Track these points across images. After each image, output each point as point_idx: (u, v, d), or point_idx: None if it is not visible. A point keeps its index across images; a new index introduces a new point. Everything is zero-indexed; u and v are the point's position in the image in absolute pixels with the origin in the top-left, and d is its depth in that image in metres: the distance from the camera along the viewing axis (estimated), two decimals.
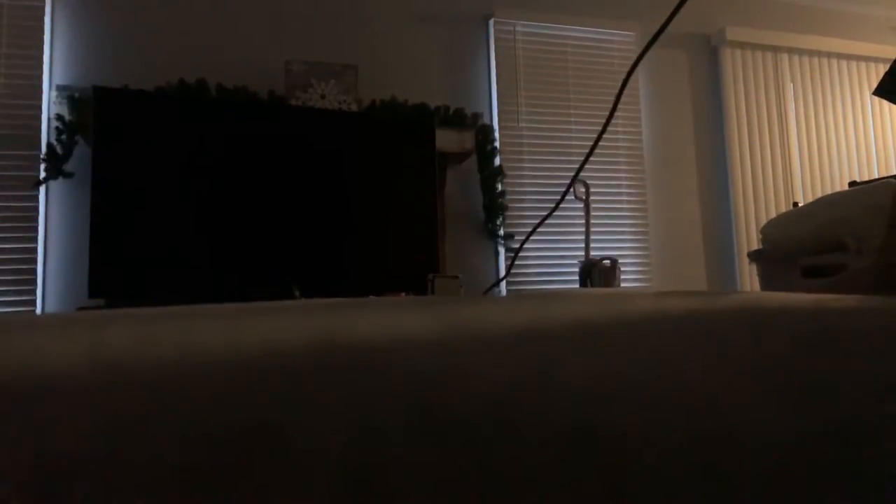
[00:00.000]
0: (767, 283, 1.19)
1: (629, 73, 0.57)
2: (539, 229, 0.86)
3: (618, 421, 0.15)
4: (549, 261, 2.48)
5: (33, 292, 1.90)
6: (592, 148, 0.62)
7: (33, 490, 0.11)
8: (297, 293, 1.57)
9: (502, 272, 2.42)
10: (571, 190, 1.77)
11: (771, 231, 1.16)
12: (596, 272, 1.44)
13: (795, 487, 0.16)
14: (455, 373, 0.14)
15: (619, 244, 2.59)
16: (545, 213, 0.90)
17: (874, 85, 2.20)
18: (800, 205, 1.31)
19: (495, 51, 2.49)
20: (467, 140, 2.21)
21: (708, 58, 2.85)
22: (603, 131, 0.61)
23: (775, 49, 2.89)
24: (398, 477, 0.12)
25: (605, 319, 0.18)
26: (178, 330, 0.14)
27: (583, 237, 1.73)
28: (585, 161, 0.66)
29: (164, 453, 0.11)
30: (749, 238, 2.74)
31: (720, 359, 0.17)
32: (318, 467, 0.12)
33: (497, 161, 2.36)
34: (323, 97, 2.05)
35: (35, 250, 1.91)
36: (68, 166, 1.89)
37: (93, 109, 1.64)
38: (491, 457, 0.13)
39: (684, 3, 0.48)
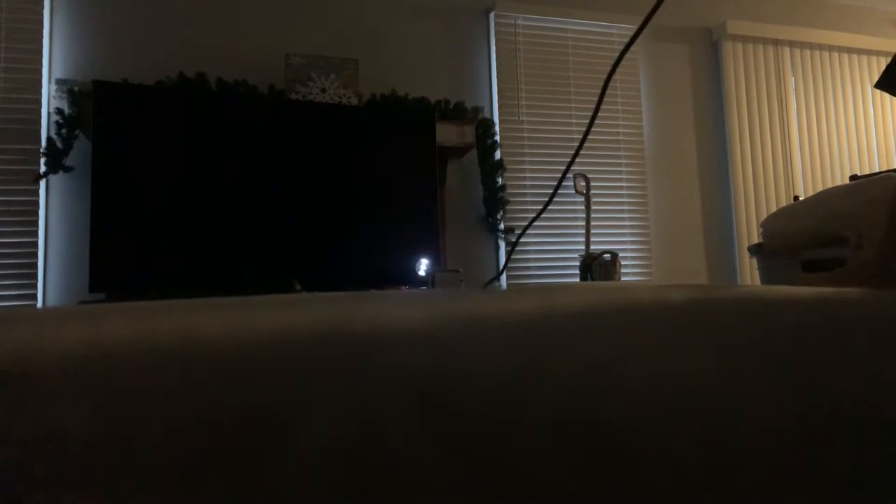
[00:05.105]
0: (768, 276, 1.19)
1: (614, 66, 0.57)
2: (539, 223, 0.86)
3: (618, 412, 0.15)
4: (549, 254, 2.48)
5: (34, 287, 1.90)
6: (582, 141, 0.62)
7: (29, 476, 0.11)
8: (297, 287, 1.57)
9: (503, 266, 2.42)
10: (572, 184, 1.77)
11: (771, 225, 1.16)
12: (596, 266, 1.44)
13: (796, 479, 0.16)
14: (455, 364, 0.14)
15: (619, 238, 2.58)
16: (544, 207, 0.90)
17: (875, 78, 2.19)
18: (800, 198, 1.31)
19: (496, 44, 2.49)
20: (468, 134, 2.20)
21: (709, 51, 2.84)
22: (591, 123, 0.61)
23: (776, 42, 2.88)
24: (397, 467, 0.13)
25: (605, 310, 0.18)
26: (179, 319, 0.14)
27: (583, 230, 1.73)
28: (575, 155, 0.65)
29: (162, 440, 0.11)
30: (749, 232, 2.74)
31: (721, 350, 0.17)
32: (317, 456, 0.12)
33: (497, 155, 2.35)
34: (323, 91, 2.04)
35: (35, 245, 1.91)
36: (68, 160, 1.89)
37: (93, 103, 1.63)
38: (491, 449, 0.13)
39: (660, 4, 0.48)
